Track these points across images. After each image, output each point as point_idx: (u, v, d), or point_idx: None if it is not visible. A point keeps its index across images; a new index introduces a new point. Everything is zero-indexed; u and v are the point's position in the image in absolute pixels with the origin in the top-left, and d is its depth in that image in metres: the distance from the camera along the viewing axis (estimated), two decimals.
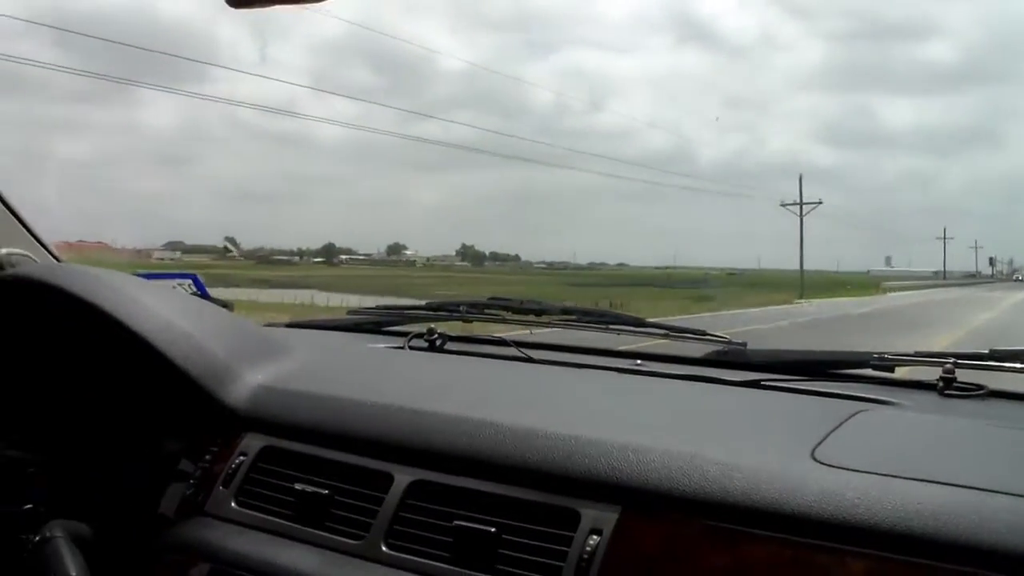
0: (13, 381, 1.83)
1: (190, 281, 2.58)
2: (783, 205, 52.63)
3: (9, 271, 1.94)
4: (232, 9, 1.36)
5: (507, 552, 1.29)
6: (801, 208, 49.50)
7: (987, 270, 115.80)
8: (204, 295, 2.52)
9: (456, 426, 1.48)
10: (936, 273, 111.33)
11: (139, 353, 1.67)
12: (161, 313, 1.75)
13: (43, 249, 2.15)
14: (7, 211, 2.05)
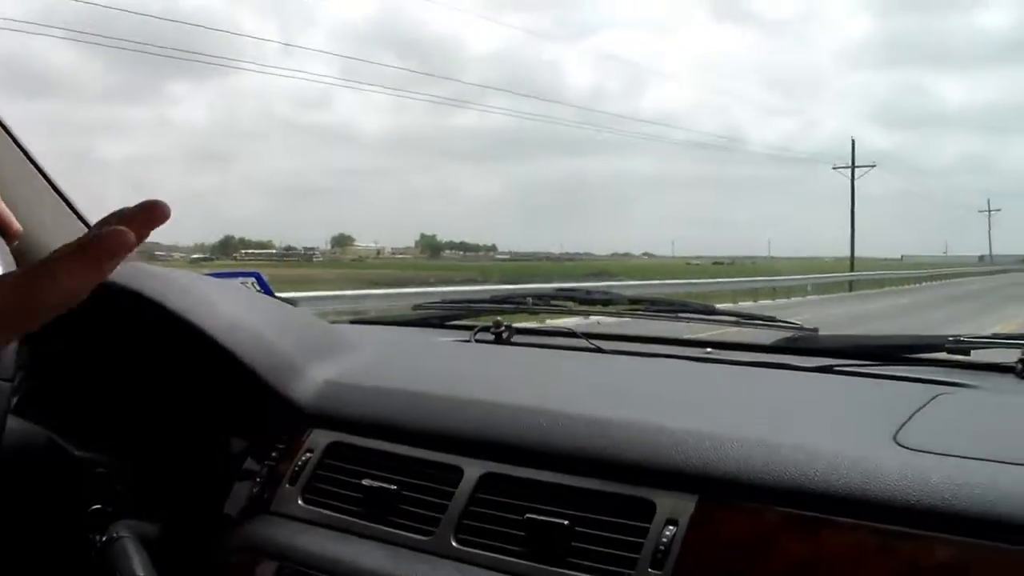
0: (80, 382, 1.84)
1: (253, 279, 2.57)
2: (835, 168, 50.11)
3: None
4: None
5: (580, 545, 1.26)
6: None
7: None
8: (268, 292, 2.51)
9: (527, 417, 1.44)
10: (982, 258, 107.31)
11: (206, 351, 1.66)
12: (227, 310, 1.74)
13: None
14: (75, 215, 2.05)
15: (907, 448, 1.20)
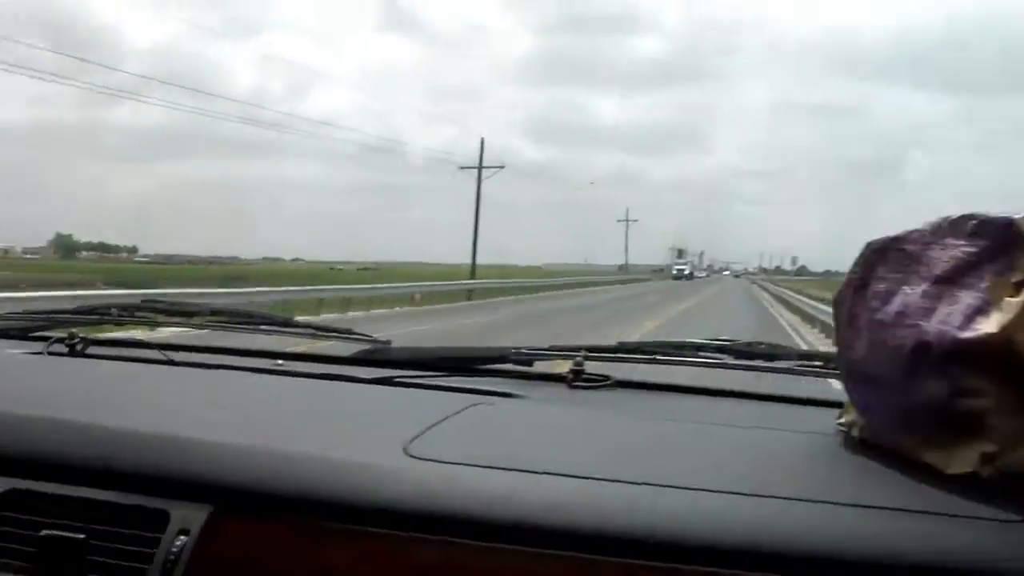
0: None
1: None
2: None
3: None
4: None
5: (96, 558, 1.27)
6: None
7: (679, 263, 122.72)
8: None
9: (55, 431, 1.42)
10: (622, 267, 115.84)
11: None
12: None
13: None
14: None
15: (414, 457, 1.29)
